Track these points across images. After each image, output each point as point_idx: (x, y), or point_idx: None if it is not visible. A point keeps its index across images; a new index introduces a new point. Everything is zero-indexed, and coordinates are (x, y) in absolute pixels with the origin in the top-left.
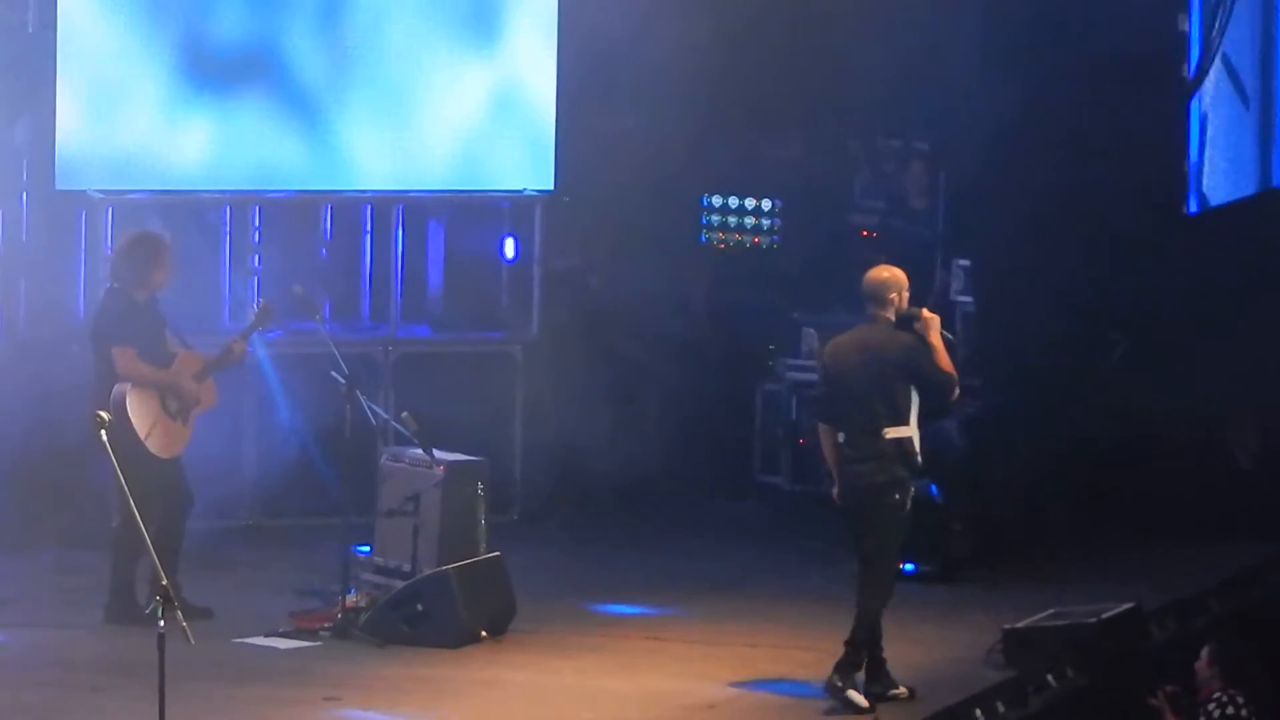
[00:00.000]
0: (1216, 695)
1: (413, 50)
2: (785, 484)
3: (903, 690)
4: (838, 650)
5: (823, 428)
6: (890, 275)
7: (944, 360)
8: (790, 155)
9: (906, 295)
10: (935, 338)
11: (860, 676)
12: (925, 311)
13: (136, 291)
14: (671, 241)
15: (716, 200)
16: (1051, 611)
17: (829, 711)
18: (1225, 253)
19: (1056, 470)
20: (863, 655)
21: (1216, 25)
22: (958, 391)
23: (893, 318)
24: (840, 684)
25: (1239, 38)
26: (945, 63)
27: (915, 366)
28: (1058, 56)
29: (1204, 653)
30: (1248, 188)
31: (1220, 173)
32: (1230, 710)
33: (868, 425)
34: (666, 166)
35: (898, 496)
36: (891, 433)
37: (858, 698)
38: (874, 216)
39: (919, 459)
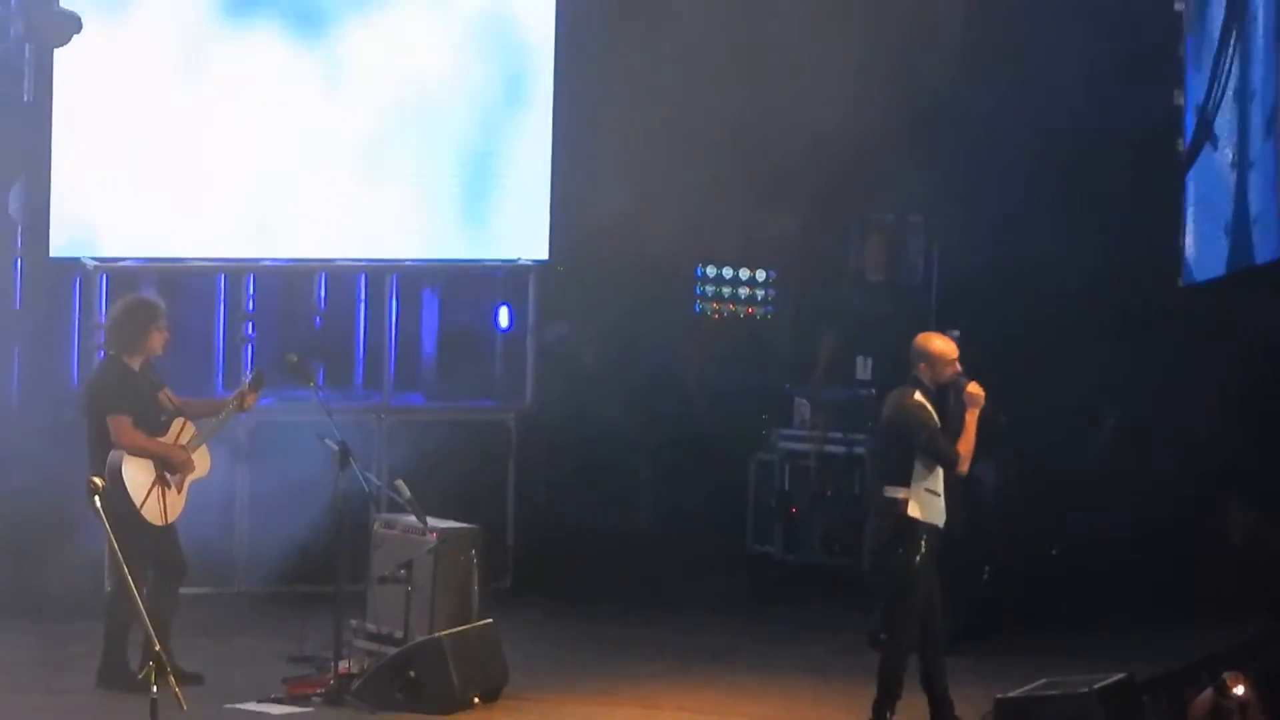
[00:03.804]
0: None
1: (409, 118)
2: (778, 553)
3: None
4: None
5: None
6: (921, 344)
7: (964, 440)
8: (785, 227)
9: (944, 368)
10: (969, 416)
11: None
12: (971, 387)
13: (131, 359)
14: (665, 311)
15: (711, 271)
16: (1044, 681)
17: None
18: (1218, 326)
19: (1047, 542)
20: (884, 711)
21: (1211, 100)
22: (964, 468)
23: (926, 383)
24: None
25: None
26: (939, 137)
27: (910, 436)
28: (1053, 130)
29: (1206, 695)
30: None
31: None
32: None
33: (878, 482)
34: (661, 236)
35: (901, 551)
36: (889, 492)
37: None
38: (838, 291)
39: (917, 521)
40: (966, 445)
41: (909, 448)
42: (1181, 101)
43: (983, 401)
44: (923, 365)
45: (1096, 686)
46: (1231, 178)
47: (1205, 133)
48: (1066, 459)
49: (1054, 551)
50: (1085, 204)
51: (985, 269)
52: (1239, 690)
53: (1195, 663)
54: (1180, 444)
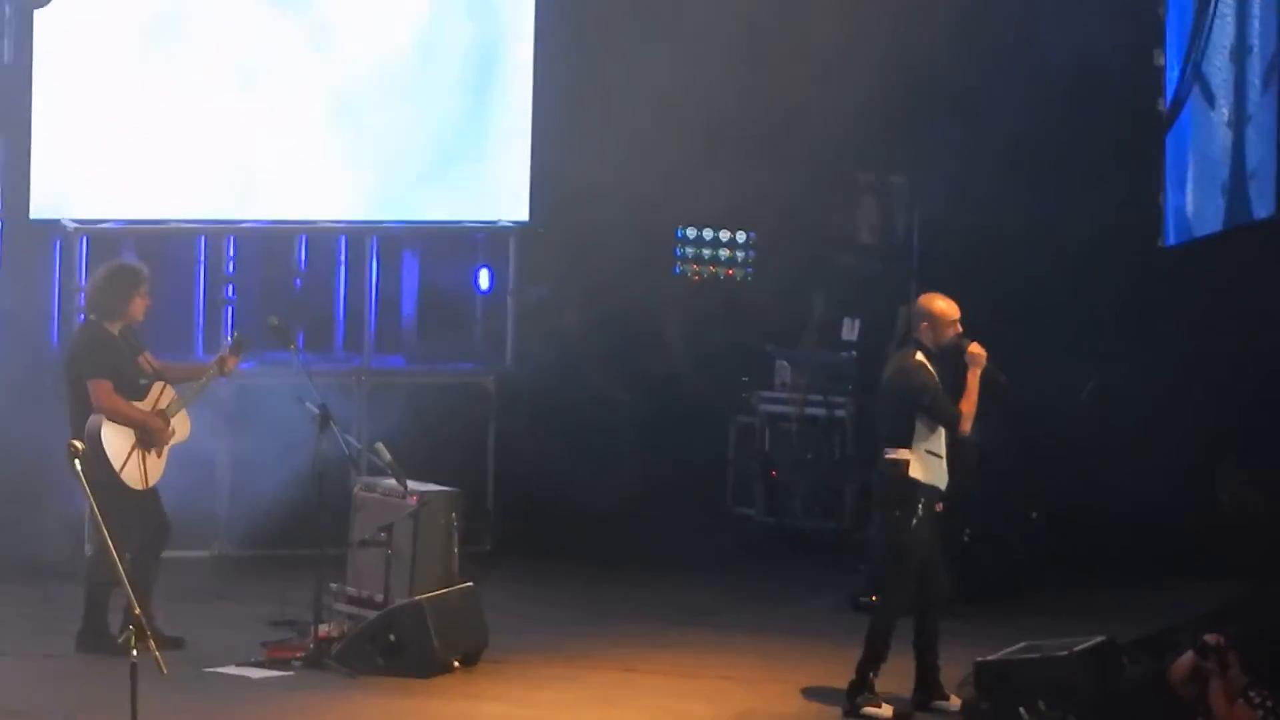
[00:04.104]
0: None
1: (389, 80)
2: (758, 516)
3: (954, 701)
4: (809, 682)
5: None
6: (923, 304)
7: (966, 399)
8: (765, 188)
9: (946, 328)
10: (971, 377)
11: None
12: (972, 347)
13: (112, 323)
14: (646, 273)
15: (691, 232)
16: (1024, 644)
17: None
18: (1203, 286)
19: (1028, 506)
20: (868, 671)
21: (1191, 60)
22: (965, 428)
23: (927, 344)
24: (851, 705)
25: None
26: (918, 97)
27: (911, 397)
28: (1033, 90)
29: (1186, 657)
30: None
31: (1200, 204)
32: (1270, 704)
33: (880, 444)
34: (641, 198)
35: (897, 514)
36: (890, 453)
37: (875, 711)
38: (827, 252)
39: (917, 483)
40: (969, 405)
41: (910, 409)
42: (1162, 62)
43: (985, 362)
44: (925, 325)
45: (1077, 649)
46: (1229, 137)
47: (1187, 91)
48: (1048, 423)
49: (1033, 515)
50: (1066, 165)
51: (967, 231)
52: (1219, 651)
53: (1175, 625)
54: (1164, 407)
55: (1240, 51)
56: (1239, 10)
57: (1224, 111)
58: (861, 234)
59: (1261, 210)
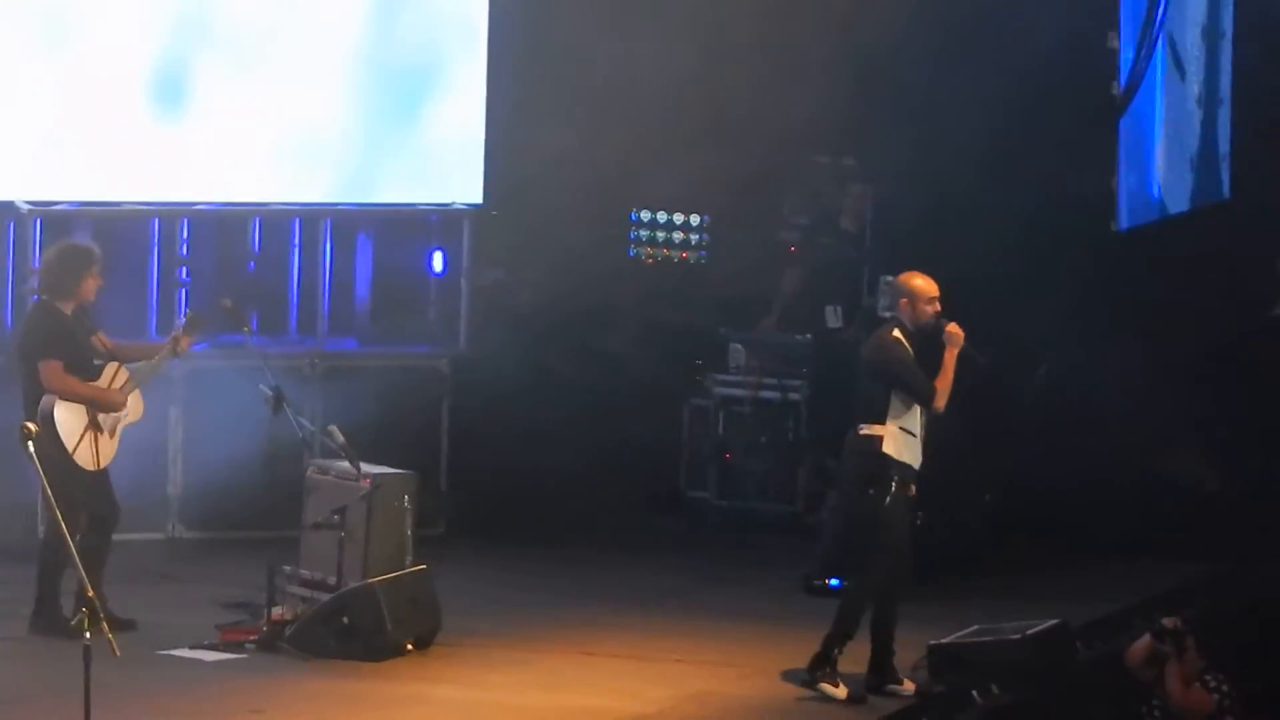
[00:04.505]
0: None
1: (343, 62)
2: (712, 499)
3: (908, 685)
4: (764, 666)
5: None
6: (903, 281)
7: (942, 377)
8: (719, 171)
9: (924, 304)
10: (948, 355)
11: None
12: (950, 327)
13: (64, 304)
14: (600, 256)
15: (645, 215)
16: (976, 628)
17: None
18: (1157, 268)
19: (982, 488)
20: (834, 647)
21: (1144, 47)
22: (939, 405)
23: (905, 322)
24: (810, 677)
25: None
26: (873, 80)
27: (886, 372)
28: (986, 73)
29: (1143, 640)
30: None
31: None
32: (1225, 688)
33: (855, 420)
34: (595, 181)
35: (872, 492)
36: (864, 429)
37: (832, 689)
38: (800, 234)
39: (890, 459)
40: (944, 383)
41: (886, 384)
42: (1116, 45)
43: (961, 341)
44: (904, 302)
45: (1029, 632)
46: (1198, 113)
47: (1141, 74)
48: (1003, 406)
49: (987, 498)
50: (1021, 148)
51: (922, 213)
52: (1176, 635)
53: (1128, 608)
54: (1118, 388)
55: (1213, 33)
56: None
57: (1194, 87)
58: (843, 219)
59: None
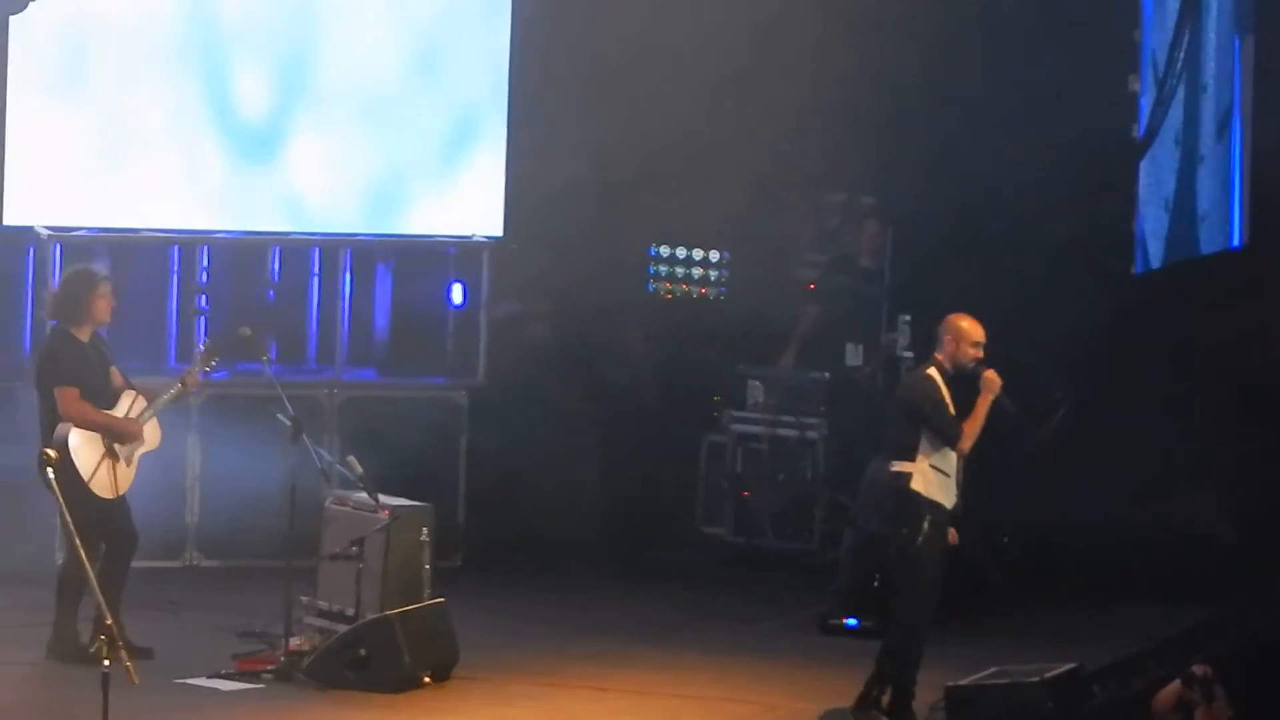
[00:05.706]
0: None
1: (364, 94)
2: (728, 535)
3: None
4: (776, 703)
5: None
6: (951, 321)
7: (972, 420)
8: (738, 208)
9: (970, 349)
10: (981, 400)
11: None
12: (988, 373)
13: (79, 330)
14: (618, 290)
15: (664, 250)
16: (994, 670)
17: None
18: (1176, 313)
19: (999, 529)
20: (875, 690)
21: (1166, 87)
22: (965, 447)
23: (944, 361)
24: (854, 717)
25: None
26: (893, 118)
27: (916, 412)
28: (1006, 113)
29: (1172, 686)
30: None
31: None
32: None
33: (887, 457)
34: (615, 216)
35: (905, 531)
36: (895, 466)
37: None
38: (818, 271)
39: (919, 496)
40: (973, 426)
41: (916, 422)
42: (1137, 88)
43: (998, 389)
44: (948, 338)
45: (1046, 676)
46: (1212, 157)
47: (1160, 119)
48: (1020, 447)
49: (1005, 539)
50: (1040, 189)
51: (941, 252)
52: (1205, 682)
53: (1143, 652)
54: (1135, 432)
55: (1195, 86)
56: (1192, 43)
57: (1211, 129)
58: (862, 257)
59: (1211, 248)
